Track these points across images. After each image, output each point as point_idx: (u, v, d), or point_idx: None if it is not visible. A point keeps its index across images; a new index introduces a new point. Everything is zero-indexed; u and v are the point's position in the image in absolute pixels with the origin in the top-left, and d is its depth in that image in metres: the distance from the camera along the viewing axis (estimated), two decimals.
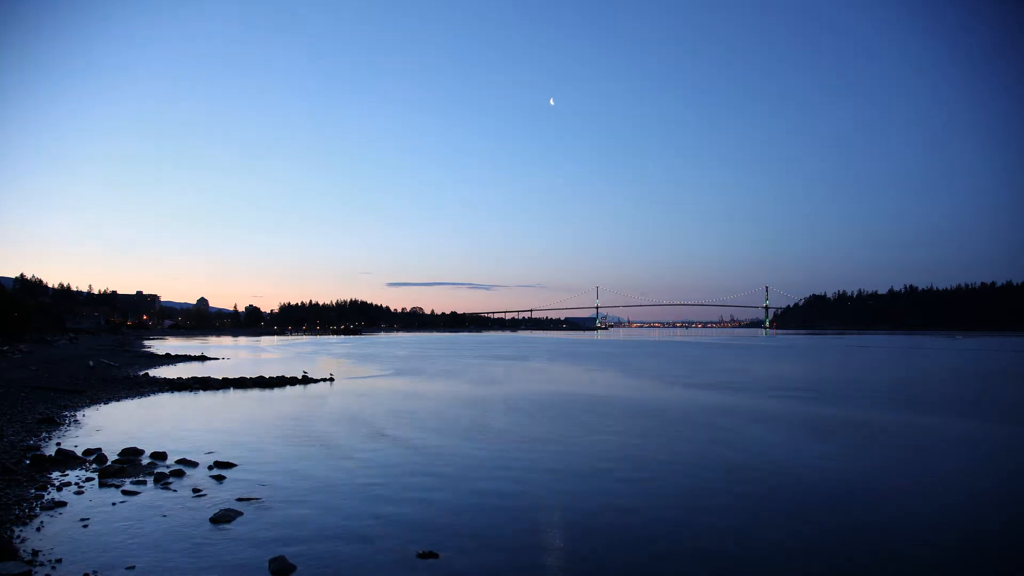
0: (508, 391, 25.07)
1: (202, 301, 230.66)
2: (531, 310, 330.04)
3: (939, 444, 13.81)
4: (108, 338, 79.34)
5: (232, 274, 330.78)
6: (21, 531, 7.27)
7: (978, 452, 13.00)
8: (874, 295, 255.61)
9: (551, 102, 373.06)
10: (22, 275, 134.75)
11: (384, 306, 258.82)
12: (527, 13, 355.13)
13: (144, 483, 9.85)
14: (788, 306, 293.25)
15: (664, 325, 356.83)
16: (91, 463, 11.10)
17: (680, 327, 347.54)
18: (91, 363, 34.07)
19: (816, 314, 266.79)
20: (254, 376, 27.61)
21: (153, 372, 31.49)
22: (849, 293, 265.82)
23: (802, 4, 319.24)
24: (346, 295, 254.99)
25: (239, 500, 8.96)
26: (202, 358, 44.51)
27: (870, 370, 37.53)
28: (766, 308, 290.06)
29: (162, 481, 9.97)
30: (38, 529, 7.42)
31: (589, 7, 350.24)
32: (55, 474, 10.13)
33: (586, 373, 34.90)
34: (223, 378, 26.58)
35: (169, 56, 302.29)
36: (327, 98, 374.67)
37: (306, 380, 27.33)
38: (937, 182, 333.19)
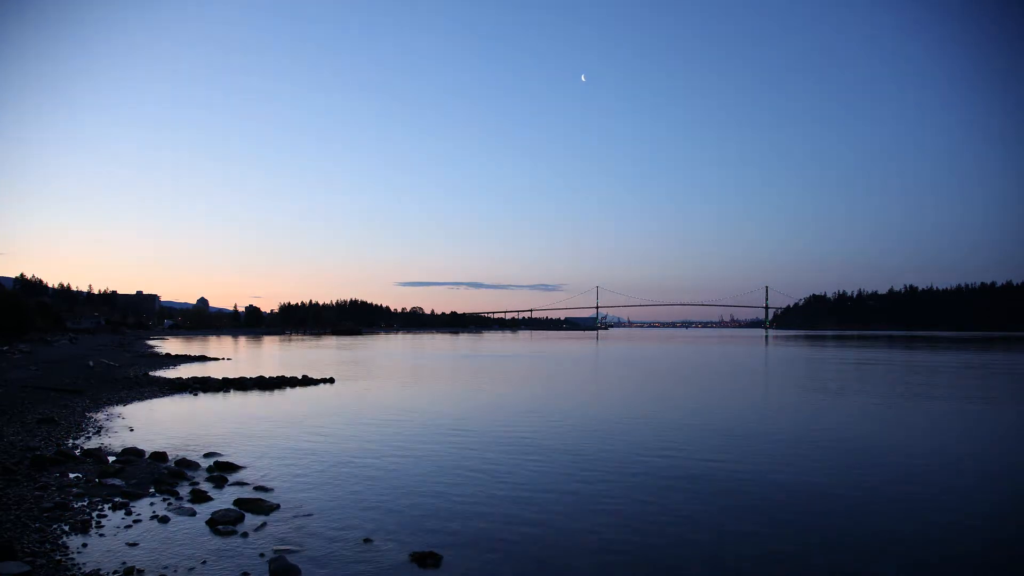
0: (513, 392, 25.06)
1: (202, 301, 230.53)
2: (531, 310, 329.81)
3: None
4: (108, 338, 79.32)
5: (232, 274, 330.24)
6: (21, 532, 7.25)
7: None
8: (874, 295, 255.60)
9: (583, 78, 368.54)
10: (22, 275, 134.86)
11: (384, 306, 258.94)
12: (527, 16, 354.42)
13: (144, 484, 9.83)
14: (788, 306, 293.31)
15: (664, 325, 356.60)
16: (91, 464, 11.08)
17: (680, 327, 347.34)
18: (91, 363, 34.06)
19: (816, 314, 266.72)
20: (254, 377, 27.59)
21: (153, 373, 31.47)
22: (849, 293, 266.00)
23: (802, 6, 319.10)
24: (346, 295, 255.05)
25: (239, 501, 8.93)
26: (202, 358, 44.50)
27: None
28: (766, 308, 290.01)
29: (162, 482, 9.95)
30: (38, 530, 7.40)
31: (588, 10, 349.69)
32: (55, 475, 10.11)
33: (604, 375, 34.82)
34: (223, 379, 26.55)
35: (169, 57, 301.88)
36: (327, 98, 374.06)
37: (306, 381, 27.30)
38: (937, 182, 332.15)
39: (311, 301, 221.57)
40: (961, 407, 20.29)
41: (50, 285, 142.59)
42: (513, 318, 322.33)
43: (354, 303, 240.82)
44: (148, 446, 12.84)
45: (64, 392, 20.98)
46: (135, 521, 8.05)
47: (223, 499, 9.16)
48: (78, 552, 6.87)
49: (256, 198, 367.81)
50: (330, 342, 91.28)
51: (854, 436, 14.68)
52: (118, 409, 18.57)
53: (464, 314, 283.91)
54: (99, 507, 8.54)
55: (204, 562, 6.75)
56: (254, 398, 22.14)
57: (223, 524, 7.92)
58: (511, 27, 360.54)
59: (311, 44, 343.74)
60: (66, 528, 7.60)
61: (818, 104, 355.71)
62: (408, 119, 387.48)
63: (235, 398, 22.11)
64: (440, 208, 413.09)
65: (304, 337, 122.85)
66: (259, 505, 8.81)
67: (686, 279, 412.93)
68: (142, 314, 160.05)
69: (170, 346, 67.19)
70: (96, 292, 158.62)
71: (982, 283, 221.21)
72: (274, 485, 9.98)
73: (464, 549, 7.28)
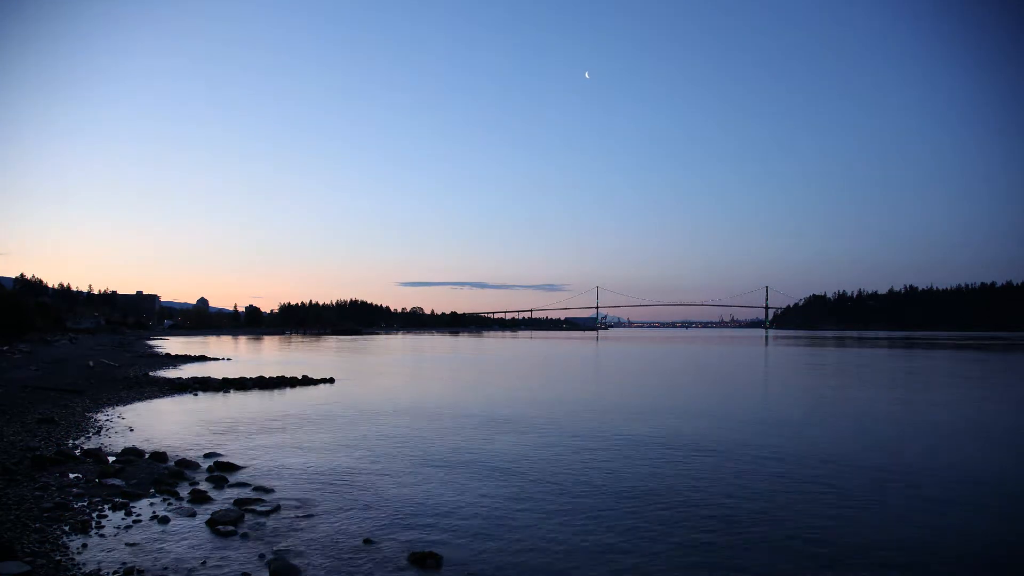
0: (513, 393, 25.07)
1: (202, 301, 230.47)
2: (531, 310, 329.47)
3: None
4: (108, 338, 79.33)
5: (232, 274, 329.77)
6: (21, 532, 7.25)
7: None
8: (874, 295, 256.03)
9: (586, 75, 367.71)
10: (22, 275, 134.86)
11: (384, 306, 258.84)
12: (529, 14, 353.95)
13: (144, 484, 9.83)
14: (788, 306, 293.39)
15: (664, 325, 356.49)
16: (91, 464, 11.08)
17: (680, 327, 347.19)
18: (91, 363, 34.07)
19: (816, 314, 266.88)
20: (254, 377, 27.59)
21: (153, 373, 31.46)
22: (849, 293, 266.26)
23: (802, 5, 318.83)
24: (346, 295, 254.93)
25: (239, 502, 8.94)
26: (202, 358, 44.50)
27: None
28: (766, 308, 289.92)
29: (162, 483, 9.95)
30: (38, 530, 7.40)
31: (591, 7, 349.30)
32: (55, 475, 10.11)
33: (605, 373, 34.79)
34: (223, 379, 26.55)
35: (168, 55, 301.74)
36: (327, 96, 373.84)
37: (306, 381, 27.30)
38: (937, 182, 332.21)
39: (311, 301, 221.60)
40: (961, 409, 20.31)
41: (50, 285, 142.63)
42: (513, 318, 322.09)
43: (354, 303, 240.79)
44: (148, 446, 12.84)
45: (64, 392, 20.98)
46: (135, 521, 8.06)
47: (223, 499, 9.16)
48: (78, 552, 6.87)
49: (256, 198, 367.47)
50: (330, 342, 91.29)
51: (856, 439, 14.68)
52: (118, 409, 18.57)
53: (464, 314, 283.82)
54: (99, 507, 8.54)
55: (204, 563, 6.75)
56: (254, 398, 22.14)
57: (223, 524, 7.91)
58: (513, 25, 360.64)
59: (310, 42, 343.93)
60: (66, 528, 7.60)
61: (820, 103, 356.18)
62: (409, 118, 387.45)
63: (235, 398, 22.11)
64: (441, 207, 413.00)
65: (304, 337, 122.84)
66: (259, 505, 8.82)
67: (686, 279, 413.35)
68: (142, 314, 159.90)
69: (170, 346, 67.17)
70: (96, 292, 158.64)
71: (982, 283, 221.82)
72: (274, 485, 9.98)
73: (464, 550, 7.28)
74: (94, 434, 14.35)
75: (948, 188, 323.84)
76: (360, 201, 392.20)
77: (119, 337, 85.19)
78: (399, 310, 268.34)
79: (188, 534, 7.65)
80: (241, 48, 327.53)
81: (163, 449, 12.49)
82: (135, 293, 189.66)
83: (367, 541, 7.51)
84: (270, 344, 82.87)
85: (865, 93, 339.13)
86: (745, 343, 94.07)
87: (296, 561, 6.79)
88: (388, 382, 29.30)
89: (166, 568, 6.56)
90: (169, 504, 8.88)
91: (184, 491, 9.55)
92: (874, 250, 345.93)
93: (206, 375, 29.04)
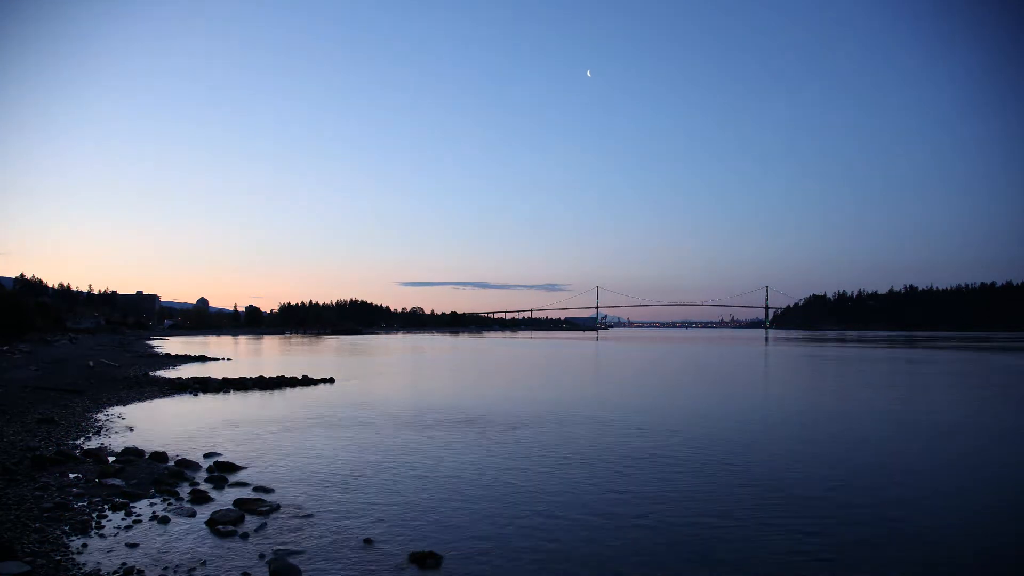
0: (512, 392, 25.08)
1: (202, 301, 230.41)
2: (531, 310, 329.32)
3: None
4: (108, 338, 79.29)
5: (232, 274, 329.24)
6: (21, 532, 7.25)
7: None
8: (874, 295, 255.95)
9: (588, 74, 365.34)
10: (22, 275, 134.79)
11: (384, 306, 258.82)
12: (531, 12, 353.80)
13: (144, 484, 9.83)
14: (788, 306, 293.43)
15: (664, 325, 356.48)
16: (91, 464, 11.08)
17: (680, 327, 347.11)
18: (91, 363, 34.08)
19: (816, 314, 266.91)
20: (254, 377, 27.59)
21: (153, 373, 31.46)
22: (849, 293, 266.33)
23: (802, 5, 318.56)
24: (346, 295, 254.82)
25: (239, 502, 8.94)
26: (202, 358, 44.49)
27: None
28: (766, 308, 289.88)
29: (162, 483, 9.96)
30: (38, 530, 7.41)
31: (593, 5, 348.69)
32: (55, 475, 10.11)
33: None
34: (223, 379, 26.54)
35: (169, 54, 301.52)
36: (327, 96, 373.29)
37: (306, 381, 27.31)
38: (937, 182, 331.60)
39: (311, 301, 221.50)
40: (961, 409, 20.32)
41: (50, 285, 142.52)
42: (513, 318, 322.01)
43: (354, 303, 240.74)
44: (148, 446, 12.84)
45: (64, 392, 20.98)
46: (135, 521, 8.06)
47: (223, 500, 9.16)
48: (78, 552, 6.87)
49: (256, 198, 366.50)
50: (330, 342, 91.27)
51: (855, 438, 14.70)
52: (118, 409, 18.57)
53: (464, 314, 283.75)
54: (99, 507, 8.54)
55: (204, 563, 6.75)
56: (254, 398, 22.15)
57: (223, 525, 7.92)
58: (513, 24, 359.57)
59: (311, 42, 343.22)
60: (66, 528, 7.60)
61: (820, 103, 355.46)
62: (409, 118, 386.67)
63: (235, 398, 22.11)
64: (441, 207, 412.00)
65: (304, 337, 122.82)
66: (259, 506, 8.82)
67: (686, 279, 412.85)
68: (142, 314, 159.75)
69: (170, 346, 67.16)
70: (96, 292, 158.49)
71: (982, 283, 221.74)
72: (274, 486, 9.98)
73: (464, 549, 7.29)
74: (94, 434, 14.35)
75: (948, 188, 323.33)
76: (360, 201, 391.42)
77: (119, 337, 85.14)
78: (399, 310, 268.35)
79: (188, 534, 7.65)
80: (241, 48, 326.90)
81: (163, 449, 12.49)
82: (135, 293, 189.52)
83: (367, 541, 7.51)
84: (270, 344, 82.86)
85: (865, 93, 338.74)
86: (745, 343, 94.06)
87: (296, 561, 6.80)
88: (388, 382, 29.31)
89: (166, 568, 6.56)
90: (169, 504, 8.88)
91: (184, 491, 9.56)
92: (874, 250, 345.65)
93: (206, 375, 29.02)
